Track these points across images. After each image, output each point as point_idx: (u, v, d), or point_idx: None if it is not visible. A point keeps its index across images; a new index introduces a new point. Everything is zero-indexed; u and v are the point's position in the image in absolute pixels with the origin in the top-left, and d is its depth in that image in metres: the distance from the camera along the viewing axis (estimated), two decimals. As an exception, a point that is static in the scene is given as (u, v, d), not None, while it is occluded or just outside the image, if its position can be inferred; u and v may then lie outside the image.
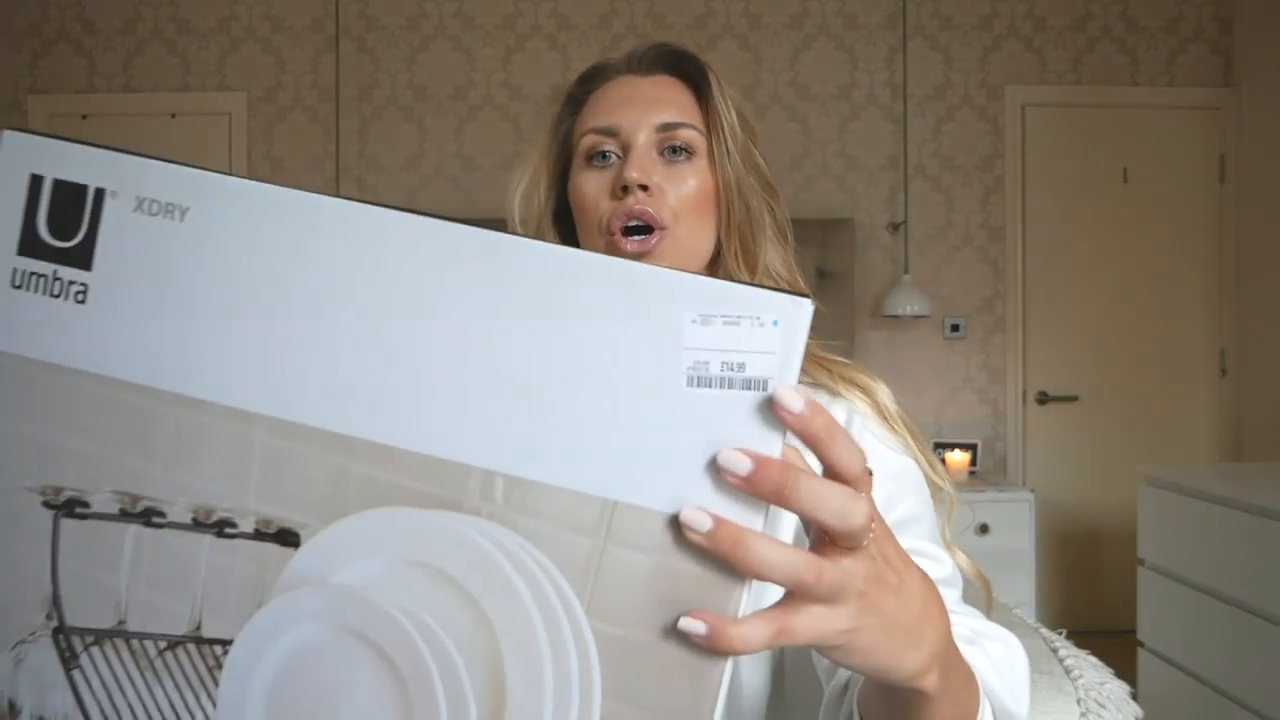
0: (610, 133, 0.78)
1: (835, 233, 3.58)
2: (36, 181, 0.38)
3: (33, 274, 0.39)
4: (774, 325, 0.35)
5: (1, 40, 3.71)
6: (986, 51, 3.78)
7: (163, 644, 0.39)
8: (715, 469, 0.35)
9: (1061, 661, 1.57)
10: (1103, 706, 1.42)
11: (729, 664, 0.36)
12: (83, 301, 0.38)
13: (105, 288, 0.38)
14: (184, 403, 0.38)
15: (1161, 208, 3.76)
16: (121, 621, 0.39)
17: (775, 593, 0.37)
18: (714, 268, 0.82)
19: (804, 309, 0.35)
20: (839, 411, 0.75)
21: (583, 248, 0.79)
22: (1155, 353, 3.77)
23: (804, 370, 0.75)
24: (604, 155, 0.78)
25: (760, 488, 0.35)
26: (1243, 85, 3.72)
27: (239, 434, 0.37)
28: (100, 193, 0.38)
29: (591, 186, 0.78)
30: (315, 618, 0.37)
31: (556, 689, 0.36)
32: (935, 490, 0.76)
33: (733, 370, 0.35)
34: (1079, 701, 1.43)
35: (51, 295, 0.38)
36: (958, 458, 3.49)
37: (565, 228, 0.84)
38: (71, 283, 0.38)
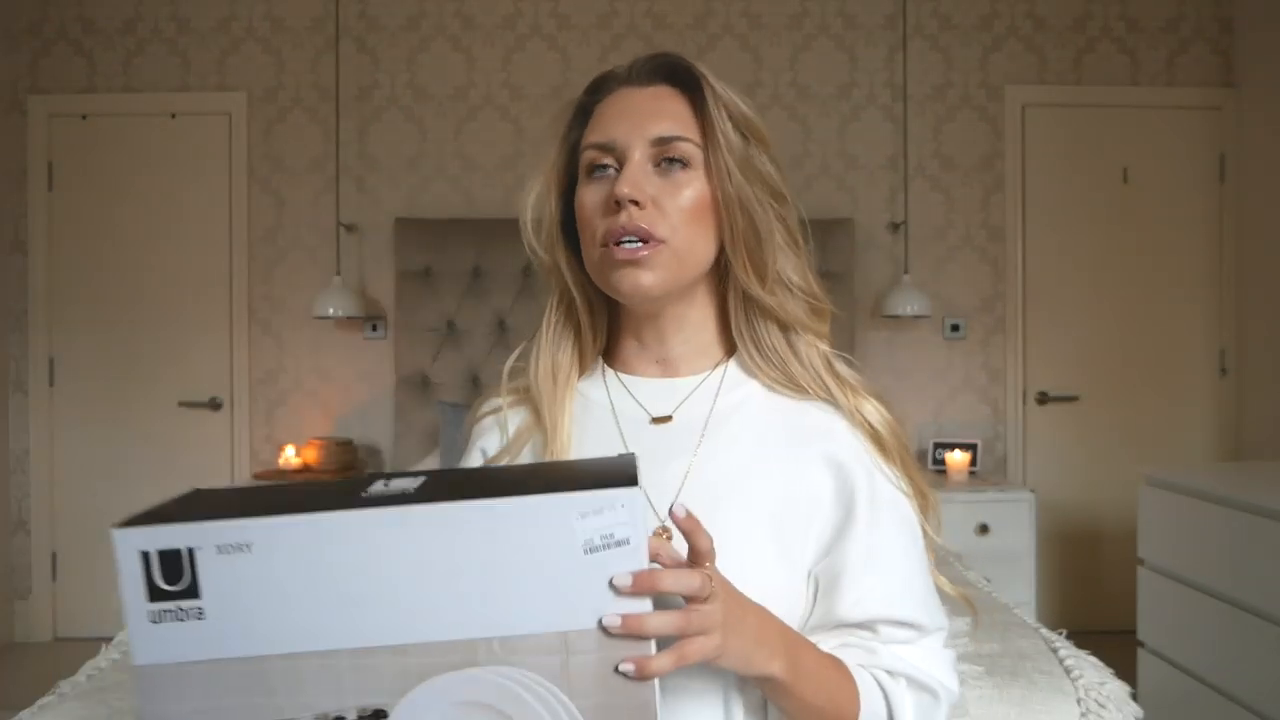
0: (607, 148, 0.80)
1: (835, 233, 3.57)
2: (145, 555, 0.57)
3: (163, 610, 0.58)
4: (622, 507, 0.58)
5: (1, 40, 3.72)
6: (986, 51, 3.79)
7: None
8: (614, 589, 0.59)
9: (1061, 661, 1.57)
10: (1103, 707, 1.41)
11: (656, 687, 0.59)
12: (201, 618, 0.58)
13: (215, 605, 0.58)
14: (289, 657, 0.59)
15: (1161, 208, 3.76)
16: None
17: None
18: (721, 278, 0.84)
19: (636, 494, 0.58)
20: (848, 438, 0.83)
21: (584, 258, 0.84)
22: (1155, 353, 3.77)
23: (824, 384, 0.84)
24: (603, 168, 0.80)
25: (641, 588, 0.59)
26: (1243, 85, 3.72)
27: (331, 664, 0.59)
28: (191, 550, 0.58)
29: (590, 201, 0.81)
30: None
31: None
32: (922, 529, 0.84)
33: (608, 537, 0.58)
34: (1079, 701, 1.43)
35: (179, 620, 0.58)
36: (958, 458, 3.48)
37: (574, 237, 0.86)
38: (190, 609, 0.58)
